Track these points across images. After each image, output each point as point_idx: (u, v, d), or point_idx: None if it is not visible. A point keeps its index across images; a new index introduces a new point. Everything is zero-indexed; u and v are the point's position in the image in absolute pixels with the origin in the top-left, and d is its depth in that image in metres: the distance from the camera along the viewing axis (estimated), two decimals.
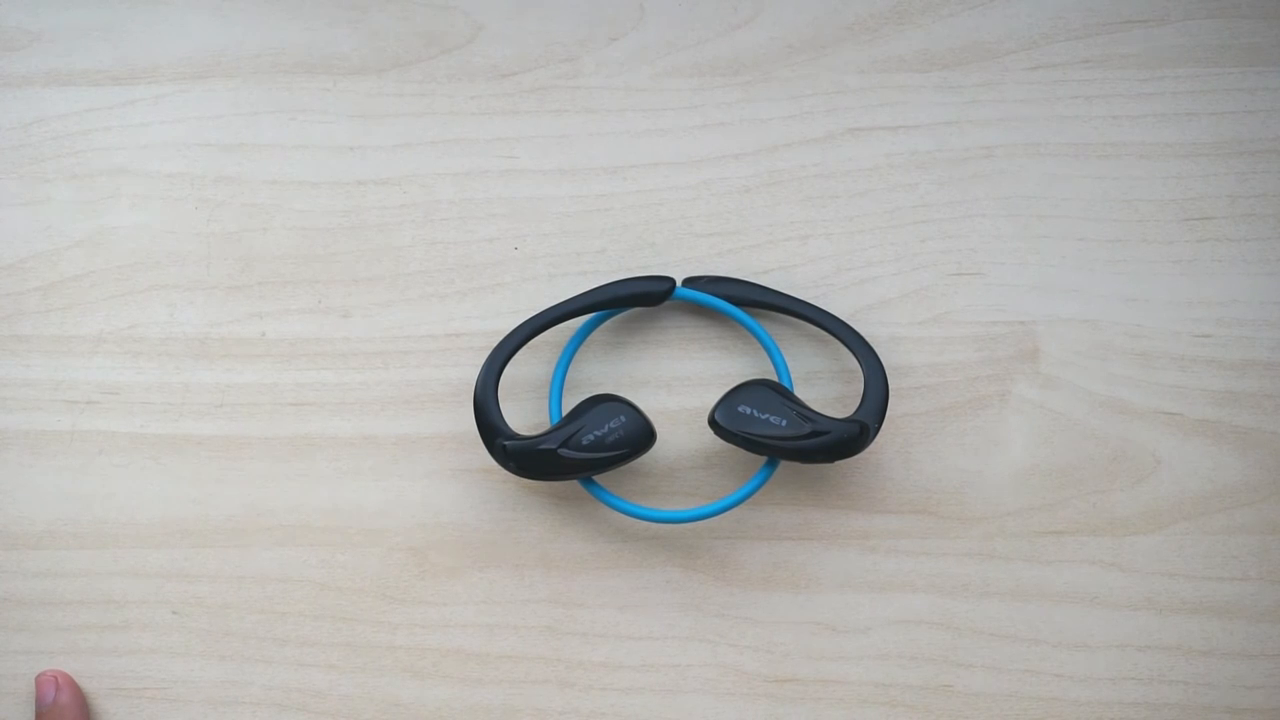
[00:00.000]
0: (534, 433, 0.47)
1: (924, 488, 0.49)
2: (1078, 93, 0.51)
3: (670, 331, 0.50)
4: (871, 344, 0.48)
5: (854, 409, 0.47)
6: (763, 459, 0.47)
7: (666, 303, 0.49)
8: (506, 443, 0.45)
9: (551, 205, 0.50)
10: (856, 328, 0.49)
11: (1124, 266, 0.50)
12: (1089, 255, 0.50)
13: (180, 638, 0.48)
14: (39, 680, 0.47)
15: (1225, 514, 0.49)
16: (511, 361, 0.47)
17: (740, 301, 0.49)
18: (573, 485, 0.48)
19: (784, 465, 0.48)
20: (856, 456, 0.47)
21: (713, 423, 0.46)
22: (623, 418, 0.45)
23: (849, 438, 0.45)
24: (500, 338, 0.48)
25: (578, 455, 0.45)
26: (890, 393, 0.47)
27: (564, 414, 0.47)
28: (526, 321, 0.48)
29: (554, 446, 0.45)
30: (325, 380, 0.49)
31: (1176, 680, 0.48)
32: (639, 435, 0.46)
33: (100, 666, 0.48)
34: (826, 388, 0.49)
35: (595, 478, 0.47)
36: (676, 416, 0.49)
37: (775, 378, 0.48)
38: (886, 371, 0.47)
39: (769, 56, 0.51)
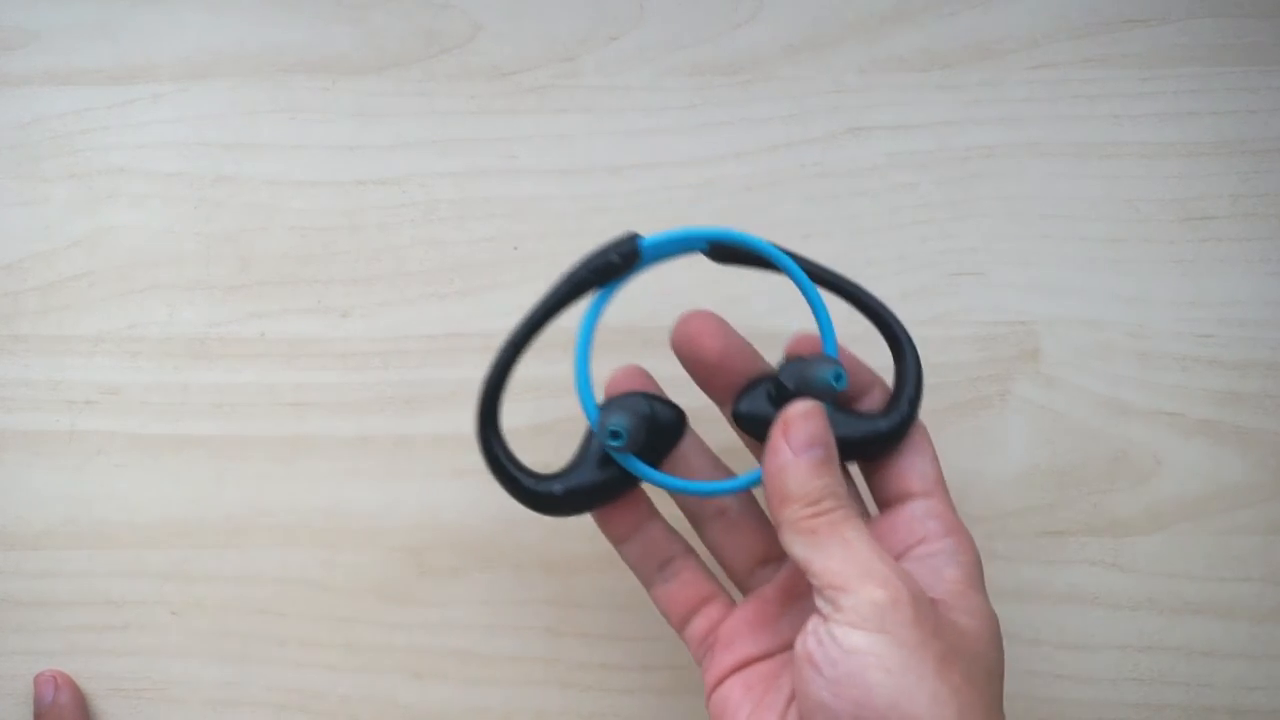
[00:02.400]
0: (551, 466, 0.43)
1: None
2: (1079, 92, 0.51)
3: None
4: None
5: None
6: None
7: (639, 268, 0.41)
8: (556, 487, 0.41)
9: (551, 205, 0.50)
10: (855, 328, 0.47)
11: (1125, 266, 0.50)
12: (1090, 255, 0.50)
13: (180, 638, 0.48)
14: (38, 680, 0.47)
15: (1227, 514, 0.49)
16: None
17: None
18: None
19: None
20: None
21: (737, 416, 0.41)
22: (650, 407, 0.41)
23: (894, 430, 0.41)
24: (498, 338, 0.45)
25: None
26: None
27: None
28: (498, 357, 0.41)
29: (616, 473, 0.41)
30: (325, 380, 0.49)
31: (1178, 681, 0.48)
32: (672, 422, 0.41)
33: (99, 667, 0.48)
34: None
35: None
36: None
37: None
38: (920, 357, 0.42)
39: (769, 56, 0.51)
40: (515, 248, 0.50)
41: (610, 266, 0.40)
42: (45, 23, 0.51)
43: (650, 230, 0.41)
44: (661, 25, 0.51)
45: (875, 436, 0.41)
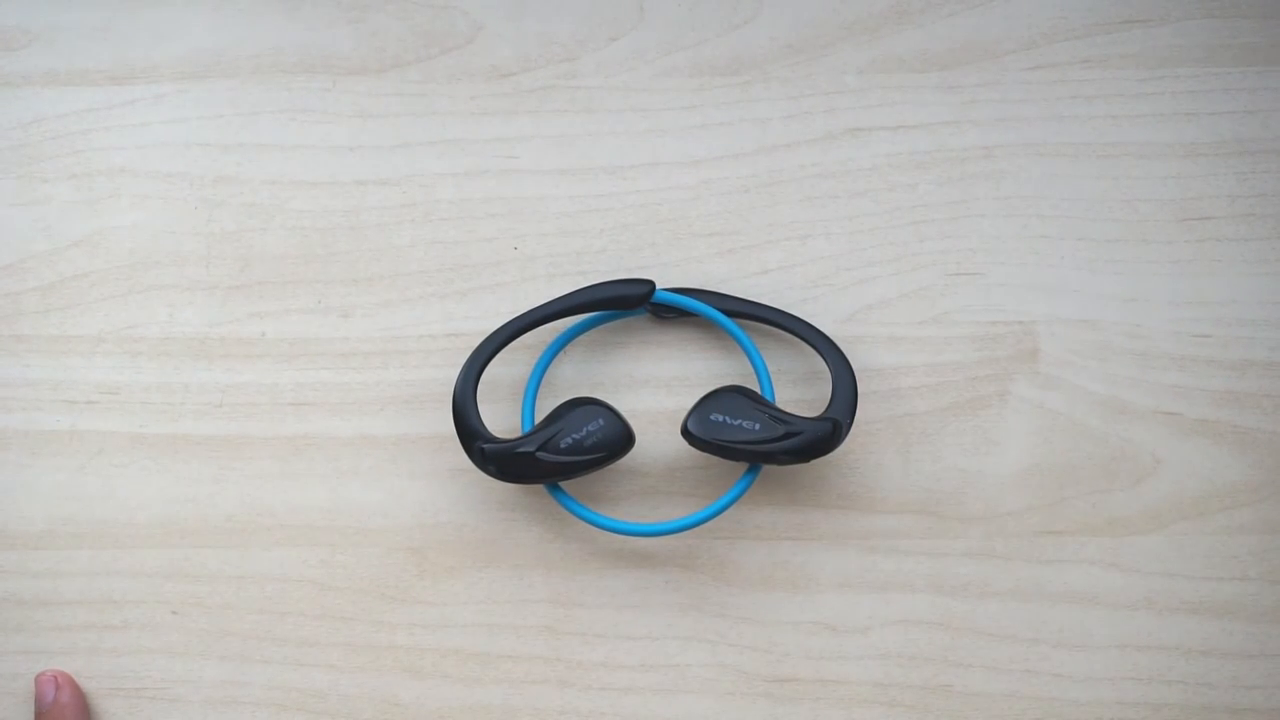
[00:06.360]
0: (512, 435, 0.47)
1: (924, 488, 0.49)
2: (1077, 93, 0.51)
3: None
4: (842, 343, 0.48)
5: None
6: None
7: (644, 307, 0.49)
8: (485, 446, 0.46)
9: (551, 205, 0.50)
10: (855, 328, 0.49)
11: (1123, 266, 0.50)
12: (1089, 255, 0.50)
13: (180, 638, 0.48)
14: (39, 680, 0.47)
15: (1225, 514, 0.49)
16: (493, 362, 0.48)
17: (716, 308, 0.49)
18: (572, 486, 0.48)
19: (773, 467, 0.48)
20: (854, 456, 0.47)
21: (686, 432, 0.46)
22: (601, 421, 0.46)
23: (821, 436, 0.45)
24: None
25: (556, 458, 0.45)
26: (860, 390, 0.48)
27: (536, 418, 0.48)
28: (505, 325, 0.48)
29: (532, 449, 0.45)
30: (325, 380, 0.49)
31: (1176, 680, 0.48)
32: (618, 438, 0.46)
33: (100, 666, 0.48)
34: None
35: (571, 489, 0.47)
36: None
37: (755, 381, 0.48)
38: (853, 368, 0.47)
39: (769, 56, 0.51)
40: (515, 248, 0.50)
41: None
42: (45, 23, 0.51)
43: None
44: (661, 25, 0.51)
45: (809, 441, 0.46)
